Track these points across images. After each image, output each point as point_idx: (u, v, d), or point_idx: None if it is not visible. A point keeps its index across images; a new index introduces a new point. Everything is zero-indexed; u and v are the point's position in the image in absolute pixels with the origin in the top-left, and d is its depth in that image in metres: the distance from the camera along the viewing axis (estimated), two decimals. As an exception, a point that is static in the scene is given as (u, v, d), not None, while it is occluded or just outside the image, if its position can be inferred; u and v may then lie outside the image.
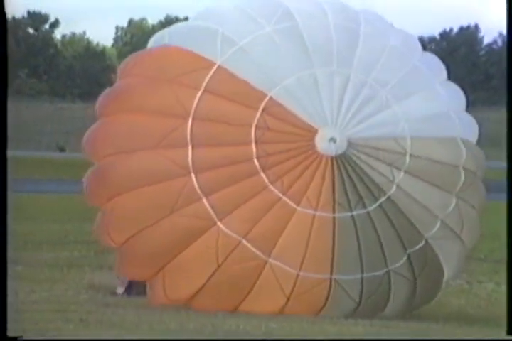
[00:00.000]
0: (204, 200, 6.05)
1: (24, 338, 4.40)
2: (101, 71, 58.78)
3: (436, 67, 6.63)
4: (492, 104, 44.96)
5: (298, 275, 6.13)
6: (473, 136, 6.60)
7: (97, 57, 60.53)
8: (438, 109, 6.44)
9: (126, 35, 61.63)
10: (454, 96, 6.60)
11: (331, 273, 6.16)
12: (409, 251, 6.30)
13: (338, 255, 6.14)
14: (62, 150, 43.09)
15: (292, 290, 6.14)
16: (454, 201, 6.36)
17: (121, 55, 59.79)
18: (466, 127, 6.54)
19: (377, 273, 6.25)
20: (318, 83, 6.19)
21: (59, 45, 61.23)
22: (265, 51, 6.22)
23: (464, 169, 6.41)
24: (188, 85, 6.13)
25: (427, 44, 53.82)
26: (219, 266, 6.10)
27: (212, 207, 6.06)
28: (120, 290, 7.12)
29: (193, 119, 6.09)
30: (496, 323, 7.01)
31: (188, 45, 6.22)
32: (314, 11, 6.45)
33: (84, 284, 7.68)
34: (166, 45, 6.28)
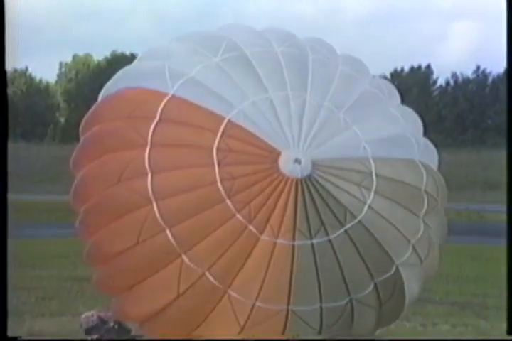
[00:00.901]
0: (168, 232, 5.91)
1: (24, 338, 4.20)
2: (45, 109, 58.42)
3: (389, 91, 6.62)
4: (446, 146, 45.51)
5: (253, 305, 5.99)
6: (432, 160, 6.50)
7: (40, 94, 60.20)
8: (395, 131, 6.39)
9: (70, 71, 61.38)
10: (410, 120, 6.55)
11: (288, 304, 6.01)
12: (376, 280, 6.14)
13: (296, 285, 6.00)
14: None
15: (247, 321, 6.01)
16: (422, 225, 6.23)
17: (66, 92, 59.51)
18: (424, 151, 6.45)
19: (337, 304, 6.09)
20: (274, 106, 6.11)
21: (-2, 81, 60.63)
22: (216, 79, 6.12)
23: (426, 193, 6.30)
24: (143, 116, 6.05)
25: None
26: (179, 295, 5.96)
27: (176, 239, 5.91)
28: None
29: (151, 147, 5.99)
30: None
31: (138, 83, 6.15)
32: (258, 40, 6.41)
33: (24, 332, 7.40)
34: (117, 90, 6.22)
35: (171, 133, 6.00)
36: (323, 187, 6.05)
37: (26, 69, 63.63)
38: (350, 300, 6.10)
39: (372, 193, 6.07)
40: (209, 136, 5.98)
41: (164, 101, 6.03)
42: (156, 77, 6.12)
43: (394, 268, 6.14)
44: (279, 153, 6.01)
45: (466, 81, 53.57)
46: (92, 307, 7.96)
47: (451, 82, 53.72)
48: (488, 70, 53.49)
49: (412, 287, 6.24)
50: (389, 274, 6.11)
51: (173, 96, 6.06)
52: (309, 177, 6.02)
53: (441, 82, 53.88)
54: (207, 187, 5.93)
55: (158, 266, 5.93)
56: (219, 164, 5.94)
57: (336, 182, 6.06)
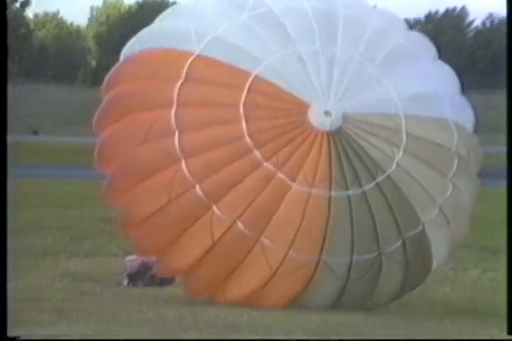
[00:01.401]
0: (197, 187, 5.89)
1: (23, 338, 4.33)
2: (75, 52, 58.29)
3: (425, 47, 6.41)
4: (479, 87, 44.97)
5: (287, 254, 5.97)
6: (466, 121, 6.32)
7: (71, 37, 60.03)
8: (427, 89, 6.21)
9: (101, 15, 61.01)
10: (446, 78, 6.37)
11: (321, 254, 5.99)
12: (404, 235, 6.08)
13: (330, 236, 5.96)
14: (35, 133, 42.82)
15: (279, 268, 6.00)
16: (450, 186, 6.13)
17: (97, 36, 59.29)
18: (459, 111, 6.29)
19: (368, 256, 6.06)
20: (303, 60, 6.00)
21: (31, 24, 60.53)
22: (243, 36, 6.03)
23: (457, 154, 6.18)
24: (168, 76, 5.98)
25: (412, 26, 53.74)
26: (214, 243, 5.97)
27: (205, 193, 5.90)
28: (125, 282, 6.99)
29: (177, 106, 5.92)
30: (481, 311, 6.93)
31: (162, 44, 6.05)
32: None
33: (59, 272, 7.52)
34: (141, 50, 6.10)
35: (196, 93, 5.95)
36: (354, 141, 5.98)
37: (58, 12, 63.34)
38: (379, 254, 6.06)
39: (401, 151, 6.00)
40: (236, 92, 5.92)
41: (189, 60, 5.95)
42: (181, 38, 6.02)
43: (421, 225, 6.08)
44: (308, 106, 5.93)
45: (502, 22, 52.55)
46: (124, 248, 8.08)
47: (487, 23, 52.76)
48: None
49: (439, 248, 6.16)
50: (416, 231, 6.06)
51: (198, 55, 5.98)
52: (340, 130, 5.95)
53: (476, 23, 52.98)
54: (234, 142, 5.91)
55: (191, 220, 5.93)
56: (246, 119, 5.89)
57: (366, 137, 5.98)
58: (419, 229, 6.09)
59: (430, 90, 6.22)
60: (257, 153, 5.91)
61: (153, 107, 5.97)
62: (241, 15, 6.10)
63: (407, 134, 6.02)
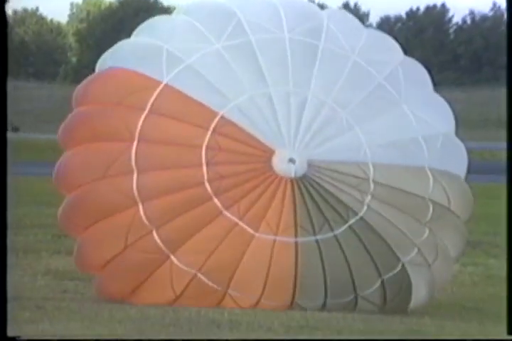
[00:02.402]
0: (154, 233, 5.73)
1: (23, 338, 4.32)
2: (56, 49, 58.07)
3: (414, 81, 6.09)
4: (460, 84, 45.14)
5: (259, 301, 5.84)
6: (453, 164, 6.06)
7: (51, 34, 59.77)
8: (404, 135, 5.98)
9: (81, 12, 60.80)
10: (435, 118, 6.04)
11: (293, 299, 5.85)
12: (383, 277, 5.94)
13: (301, 282, 5.82)
14: (16, 130, 42.59)
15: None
16: (426, 230, 5.96)
17: (77, 33, 59.07)
18: (443, 156, 6.02)
19: (342, 300, 5.92)
20: (273, 102, 5.83)
21: (10, 21, 60.22)
22: (215, 69, 5.85)
23: (432, 201, 5.97)
24: (134, 106, 5.79)
25: (393, 24, 53.83)
26: (177, 298, 5.82)
27: (163, 240, 5.73)
28: None
29: (138, 142, 5.74)
30: (461, 305, 6.99)
31: (132, 64, 5.88)
32: (269, 23, 5.99)
33: (41, 270, 7.52)
34: (112, 67, 5.93)
35: (159, 129, 5.76)
36: (320, 186, 5.83)
37: (37, 9, 63.03)
38: (356, 297, 5.93)
39: (369, 196, 5.85)
40: (199, 133, 5.75)
41: (157, 91, 5.77)
42: (153, 61, 5.83)
43: (400, 265, 5.94)
44: (272, 152, 5.79)
45: (483, 18, 52.80)
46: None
47: (468, 20, 52.98)
48: (504, 6, 52.66)
49: (419, 288, 5.98)
50: (396, 271, 5.92)
51: (166, 85, 5.80)
52: (305, 176, 5.81)
53: (457, 20, 53.19)
54: (194, 187, 5.73)
55: (150, 269, 5.77)
56: (207, 164, 5.73)
57: (333, 183, 5.83)
58: (399, 268, 5.95)
59: (408, 136, 5.99)
60: (216, 201, 5.75)
61: (115, 139, 5.78)
62: (218, 43, 5.90)
63: (375, 183, 5.87)
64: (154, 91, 5.79)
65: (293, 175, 5.80)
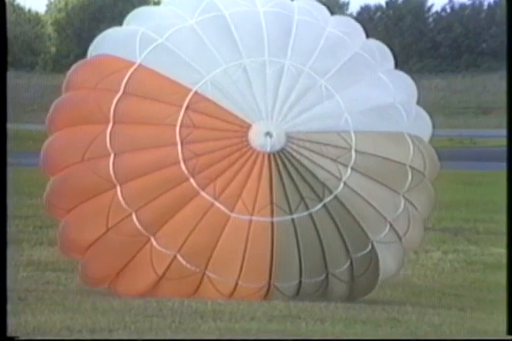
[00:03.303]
0: (133, 216, 5.68)
1: (23, 338, 4.31)
2: (34, 38, 57.69)
3: (382, 56, 6.08)
4: (439, 71, 45.26)
5: (237, 284, 5.78)
6: (423, 132, 6.04)
7: (29, 24, 59.37)
8: (383, 100, 5.92)
9: (60, 1, 60.50)
10: (403, 87, 6.05)
11: (270, 280, 5.79)
12: (352, 256, 5.89)
13: (277, 262, 5.76)
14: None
15: (231, 295, 5.81)
16: (402, 202, 5.91)
17: (56, 22, 58.73)
18: (415, 122, 5.99)
19: (316, 279, 5.88)
20: (248, 74, 5.71)
21: (-14, 11, 59.75)
22: (188, 45, 5.76)
23: (411, 168, 5.92)
24: (108, 89, 5.74)
25: (372, 12, 53.82)
26: (160, 279, 5.78)
27: (142, 223, 5.68)
28: None
29: (113, 124, 5.68)
30: (441, 292, 7.03)
31: (112, 50, 5.85)
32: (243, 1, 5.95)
33: (23, 261, 7.50)
34: (97, 55, 5.91)
35: (133, 110, 5.70)
36: (298, 161, 5.72)
37: (13, -2, 62.48)
38: (327, 276, 5.89)
39: (349, 170, 5.76)
40: (173, 111, 5.65)
41: (130, 72, 5.72)
42: (127, 44, 5.79)
43: (370, 245, 5.88)
44: (249, 126, 5.66)
45: (462, 6, 52.91)
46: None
47: (447, 8, 53.10)
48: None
49: (387, 264, 5.97)
50: (365, 251, 5.87)
51: (139, 65, 5.74)
52: (283, 150, 5.69)
53: (436, 8, 53.31)
54: (169, 167, 5.64)
55: (132, 251, 5.73)
56: (182, 142, 5.63)
57: (311, 157, 5.72)
58: (368, 249, 5.90)
59: (386, 102, 5.94)
60: (192, 182, 5.66)
61: (91, 122, 5.74)
62: (190, 19, 5.84)
63: (357, 152, 5.78)
64: (127, 72, 5.75)
65: (269, 149, 5.69)
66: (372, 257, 5.94)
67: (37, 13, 62.37)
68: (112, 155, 5.71)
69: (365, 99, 5.90)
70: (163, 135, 5.69)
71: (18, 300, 5.69)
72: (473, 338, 4.76)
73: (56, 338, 4.48)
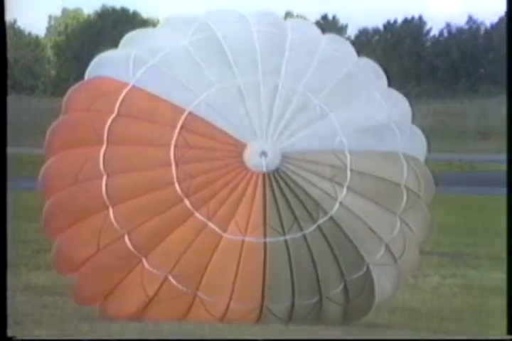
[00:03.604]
0: (126, 238, 5.67)
1: (23, 338, 4.26)
2: (34, 61, 58.01)
3: (375, 74, 6.07)
4: (437, 96, 45.41)
5: (228, 305, 5.74)
6: (418, 151, 6.00)
7: (29, 47, 59.71)
8: (378, 120, 5.91)
9: (60, 25, 60.88)
10: (397, 106, 6.03)
11: (263, 301, 5.76)
12: (347, 278, 5.83)
13: (270, 283, 5.72)
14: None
15: (223, 317, 5.76)
16: (398, 223, 5.86)
17: (56, 45, 59.13)
18: (410, 141, 5.96)
19: (309, 302, 5.82)
20: (242, 94, 5.71)
21: (-15, 34, 60.13)
22: (181, 65, 5.76)
23: (406, 188, 5.89)
24: (102, 110, 5.74)
25: (371, 36, 54.11)
26: (150, 301, 5.74)
27: (134, 244, 5.66)
28: None
29: (106, 145, 5.69)
30: (441, 316, 7.01)
31: (106, 72, 5.86)
32: (234, 18, 5.98)
33: (20, 285, 7.47)
34: (92, 77, 5.92)
35: (127, 131, 5.70)
36: (293, 181, 5.70)
37: (15, 22, 62.85)
38: (320, 298, 5.84)
39: (345, 189, 5.74)
40: (167, 132, 5.65)
41: (123, 93, 5.72)
42: (121, 65, 5.81)
43: (365, 267, 5.84)
44: (244, 146, 5.66)
45: (460, 31, 53.24)
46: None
47: (445, 33, 53.43)
48: (480, 20, 53.27)
49: (383, 286, 5.91)
50: (360, 273, 5.83)
51: (133, 87, 5.74)
52: (278, 170, 5.68)
53: (434, 32, 53.62)
54: (164, 188, 5.63)
55: (123, 273, 5.71)
56: (176, 163, 5.62)
57: (306, 177, 5.71)
58: (363, 271, 5.85)
59: (381, 121, 5.92)
60: (187, 203, 5.64)
61: (84, 144, 5.74)
62: (184, 40, 5.85)
63: (352, 171, 5.76)
64: (121, 93, 5.76)
65: (264, 169, 5.68)
66: (367, 279, 5.89)
67: (37, 37, 62.73)
68: (105, 177, 5.70)
69: (360, 118, 5.88)
70: (157, 156, 5.68)
71: (15, 324, 5.66)
72: (473, 338, 4.71)
73: (57, 338, 4.42)
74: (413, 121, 6.11)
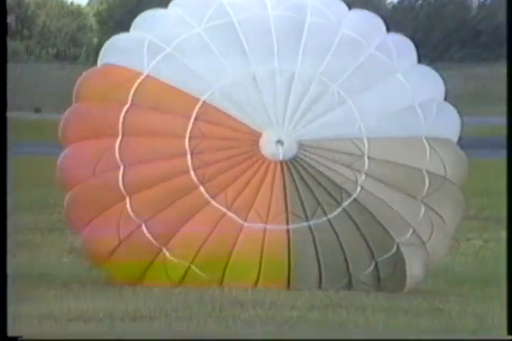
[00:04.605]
0: (143, 227, 5.66)
1: (24, 338, 4.36)
2: (76, 30, 58.26)
3: (403, 52, 5.89)
4: (481, 60, 44.76)
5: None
6: (447, 131, 5.87)
7: (71, 16, 59.95)
8: (400, 104, 5.78)
9: (101, -6, 61.07)
10: (425, 86, 5.86)
11: (288, 287, 5.71)
12: (377, 259, 5.77)
13: (295, 270, 5.68)
14: (38, 111, 42.69)
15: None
16: (422, 208, 5.77)
17: (98, 14, 59.35)
18: (437, 122, 5.81)
19: (338, 285, 5.77)
20: (257, 83, 5.65)
21: (32, 5, 60.53)
22: (196, 53, 5.71)
23: (428, 172, 5.78)
24: (116, 101, 5.71)
25: (414, 0, 53.32)
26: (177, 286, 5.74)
27: (153, 234, 5.66)
28: None
29: (122, 137, 5.67)
30: (484, 282, 6.96)
31: (119, 59, 5.80)
32: (250, 3, 5.84)
33: (66, 248, 7.57)
34: (103, 64, 5.87)
35: (142, 122, 5.67)
36: (312, 167, 5.65)
37: (56, -9, 63.09)
38: (350, 280, 5.78)
39: (364, 175, 5.67)
40: (182, 122, 5.62)
41: (137, 82, 5.67)
42: (135, 53, 5.74)
43: (395, 247, 5.76)
44: (260, 135, 5.61)
45: (504, -7, 52.20)
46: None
47: (489, -4, 52.43)
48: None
49: (414, 267, 5.83)
50: (391, 253, 5.75)
51: (148, 76, 5.70)
52: (295, 158, 5.63)
53: (478, -5, 52.62)
54: (179, 177, 5.62)
55: (146, 262, 5.71)
56: (192, 152, 5.60)
57: (325, 163, 5.65)
58: (393, 250, 5.78)
59: (403, 105, 5.80)
60: (202, 190, 5.62)
61: (101, 135, 5.73)
62: (198, 27, 5.76)
63: (370, 159, 5.69)
64: (135, 83, 5.71)
65: (281, 157, 5.64)
66: (398, 259, 5.83)
67: (79, 6, 62.94)
68: (122, 168, 5.69)
69: (380, 103, 5.79)
70: (173, 146, 5.67)
71: (62, 287, 5.76)
72: (473, 338, 4.70)
73: (56, 338, 4.49)
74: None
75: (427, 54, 36.84)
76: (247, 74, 5.69)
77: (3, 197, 4.88)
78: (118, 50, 5.88)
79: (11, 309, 4.63)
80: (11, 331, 4.37)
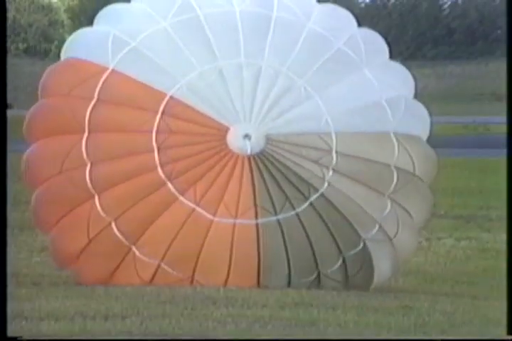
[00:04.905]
0: (113, 225, 5.64)
1: (24, 338, 4.33)
2: (48, 25, 57.91)
3: (372, 48, 5.90)
4: (454, 58, 45.06)
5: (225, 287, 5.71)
6: (416, 128, 5.87)
7: (42, 11, 59.59)
8: (367, 99, 5.80)
9: (72, -12, 60.78)
10: (394, 82, 5.87)
11: (258, 283, 5.74)
12: (345, 254, 5.81)
13: (264, 264, 5.70)
14: (9, 107, 42.52)
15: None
16: (388, 204, 5.80)
17: (69, 9, 59.05)
18: (405, 119, 5.83)
19: (306, 280, 5.80)
20: (224, 77, 5.66)
21: (1, -2, 59.99)
22: (161, 48, 5.70)
23: (397, 168, 5.80)
24: (82, 96, 5.68)
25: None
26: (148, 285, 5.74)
27: (122, 232, 5.64)
28: None
29: (88, 133, 5.65)
30: (454, 280, 7.02)
31: (83, 54, 5.77)
32: None
33: (37, 246, 7.54)
34: (67, 58, 5.84)
35: (108, 117, 5.66)
36: (280, 162, 5.68)
37: (28, -14, 62.55)
38: (318, 276, 5.80)
39: (331, 171, 5.70)
40: (148, 117, 5.61)
41: (103, 78, 5.66)
42: (100, 47, 5.72)
43: (362, 243, 5.80)
44: (227, 129, 5.62)
45: (476, -8, 52.56)
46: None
47: (462, -6, 52.76)
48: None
49: (381, 264, 5.86)
50: (357, 249, 5.79)
51: (113, 71, 5.68)
52: (263, 152, 5.65)
53: (451, -6, 52.94)
54: (146, 173, 5.61)
55: (116, 261, 5.69)
56: (159, 148, 5.60)
57: (292, 159, 5.67)
58: (360, 246, 5.81)
59: (371, 100, 5.81)
60: (170, 186, 5.62)
61: (67, 132, 5.70)
62: (164, 21, 5.75)
63: (338, 153, 5.71)
64: (101, 79, 5.70)
65: (249, 151, 5.64)
66: (365, 255, 5.86)
67: (49, 0, 62.48)
68: (89, 165, 5.67)
69: (347, 98, 5.81)
70: (140, 142, 5.66)
71: (33, 285, 5.72)
72: (473, 338, 4.75)
73: (57, 338, 4.48)
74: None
75: (401, 52, 37.06)
76: (214, 68, 5.70)
77: (3, 197, 4.84)
78: (82, 44, 5.85)
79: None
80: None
